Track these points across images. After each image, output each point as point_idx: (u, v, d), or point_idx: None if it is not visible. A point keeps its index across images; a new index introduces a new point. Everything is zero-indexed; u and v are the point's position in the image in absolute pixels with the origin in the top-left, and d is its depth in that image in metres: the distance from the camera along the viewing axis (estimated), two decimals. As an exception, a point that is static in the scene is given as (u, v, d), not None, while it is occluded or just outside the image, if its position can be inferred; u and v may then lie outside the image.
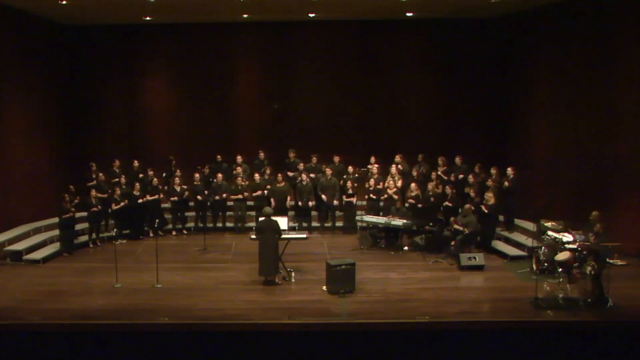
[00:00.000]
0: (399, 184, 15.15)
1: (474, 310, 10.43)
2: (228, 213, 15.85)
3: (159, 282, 11.61)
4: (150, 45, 18.32)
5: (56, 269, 12.88)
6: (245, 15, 16.58)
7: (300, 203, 15.48)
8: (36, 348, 9.69)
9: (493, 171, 14.51)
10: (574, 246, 10.90)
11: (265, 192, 15.41)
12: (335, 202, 15.65)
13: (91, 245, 14.54)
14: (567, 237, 11.55)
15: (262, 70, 18.41)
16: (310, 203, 15.53)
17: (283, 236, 11.90)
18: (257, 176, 15.60)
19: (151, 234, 15.15)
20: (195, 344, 9.73)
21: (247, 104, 18.42)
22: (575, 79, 14.33)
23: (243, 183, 15.55)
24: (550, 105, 15.19)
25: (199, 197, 15.46)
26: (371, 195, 15.16)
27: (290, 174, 16.17)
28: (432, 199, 14.27)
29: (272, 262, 11.63)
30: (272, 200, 15.04)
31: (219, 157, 16.69)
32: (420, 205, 14.31)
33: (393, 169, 15.48)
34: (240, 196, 15.44)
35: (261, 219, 11.87)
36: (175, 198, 15.47)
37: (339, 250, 13.89)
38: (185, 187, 15.63)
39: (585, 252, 10.62)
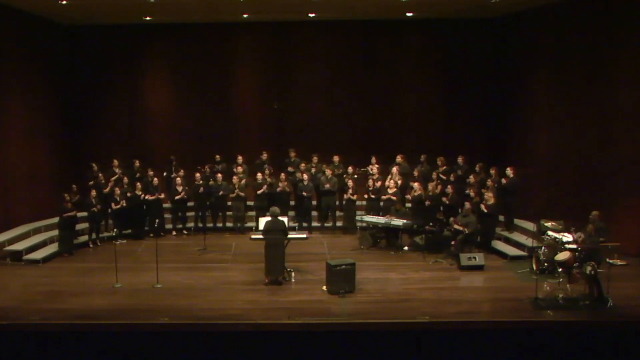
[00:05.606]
0: (400, 183, 15.16)
1: (474, 310, 10.42)
2: (228, 213, 15.85)
3: (159, 282, 11.61)
4: (151, 45, 18.33)
5: (56, 269, 12.87)
6: (245, 15, 16.59)
7: (304, 193, 15.36)
8: (36, 348, 9.69)
9: (492, 171, 14.52)
10: (574, 246, 10.91)
11: (265, 187, 15.36)
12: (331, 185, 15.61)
13: (91, 245, 14.55)
14: (567, 237, 11.57)
15: (262, 70, 18.41)
16: (313, 202, 15.52)
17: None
18: (259, 175, 15.58)
19: (151, 234, 15.15)
20: (196, 344, 9.72)
21: (247, 103, 18.42)
22: (575, 78, 14.34)
23: (239, 182, 15.52)
24: (550, 105, 15.20)
25: (201, 189, 15.43)
26: (371, 195, 15.16)
27: (290, 169, 16.19)
28: (427, 201, 14.27)
29: (279, 263, 11.64)
30: (280, 184, 15.15)
31: (217, 156, 16.71)
32: (421, 203, 14.30)
33: (394, 169, 15.49)
34: (235, 194, 15.41)
35: (267, 219, 11.82)
36: (183, 195, 15.45)
37: (339, 250, 13.89)
38: (187, 188, 15.64)
39: (583, 252, 10.63)
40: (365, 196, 15.39)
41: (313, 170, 16.04)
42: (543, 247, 11.76)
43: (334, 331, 9.72)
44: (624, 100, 13.14)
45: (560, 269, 10.72)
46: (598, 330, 9.68)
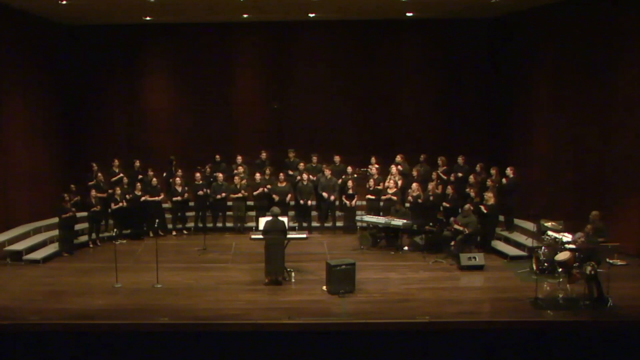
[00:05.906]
0: (400, 184, 15.15)
1: (474, 310, 10.43)
2: (228, 213, 15.83)
3: (159, 282, 11.61)
4: (150, 45, 18.35)
5: (56, 269, 12.87)
6: (245, 15, 16.59)
7: (301, 201, 15.44)
8: (36, 348, 9.69)
9: (493, 171, 14.51)
10: (574, 246, 10.91)
11: (266, 189, 15.36)
12: (332, 197, 15.43)
13: (91, 245, 14.54)
14: (567, 237, 11.56)
15: (262, 70, 18.43)
16: (310, 202, 15.52)
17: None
18: (257, 175, 15.58)
19: (151, 234, 15.15)
20: (196, 344, 9.72)
21: (247, 103, 18.44)
22: (575, 78, 14.33)
23: (240, 182, 15.52)
24: (550, 104, 15.20)
25: (200, 192, 15.43)
26: (370, 195, 15.15)
27: (290, 172, 16.19)
28: (431, 197, 14.28)
29: (279, 263, 11.64)
30: (274, 196, 15.04)
31: (217, 156, 16.72)
32: (420, 202, 14.30)
33: (393, 169, 15.48)
34: (238, 195, 15.41)
35: (268, 219, 11.81)
36: (179, 198, 15.46)
37: (339, 250, 13.89)
38: (186, 188, 15.63)
39: (583, 253, 10.64)
40: (366, 197, 15.38)
41: (312, 177, 15.93)
42: (543, 247, 11.74)
43: (334, 331, 9.72)
44: (623, 100, 13.13)
45: (560, 269, 10.71)
46: (598, 330, 9.68)
